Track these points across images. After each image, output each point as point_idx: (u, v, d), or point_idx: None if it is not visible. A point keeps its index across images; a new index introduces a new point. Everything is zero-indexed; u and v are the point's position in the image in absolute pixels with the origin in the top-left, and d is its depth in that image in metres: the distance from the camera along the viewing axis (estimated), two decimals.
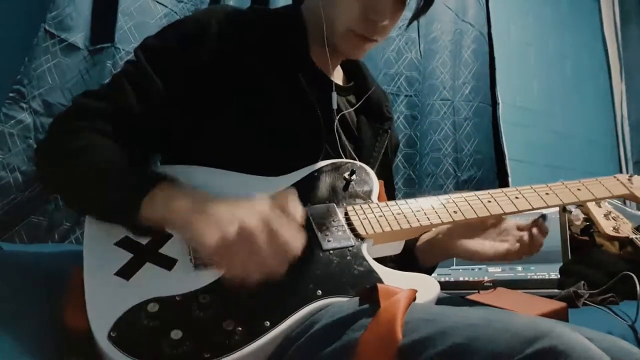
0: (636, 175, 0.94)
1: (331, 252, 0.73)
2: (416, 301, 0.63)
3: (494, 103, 1.94)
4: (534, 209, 0.85)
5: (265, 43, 0.87)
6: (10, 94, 1.07)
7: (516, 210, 0.85)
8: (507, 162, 1.90)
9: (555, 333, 0.50)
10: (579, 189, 0.89)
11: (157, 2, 1.27)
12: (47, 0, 1.12)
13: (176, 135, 0.88)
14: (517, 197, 0.86)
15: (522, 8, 2.34)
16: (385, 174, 1.00)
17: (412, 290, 0.62)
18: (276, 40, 0.88)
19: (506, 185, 1.88)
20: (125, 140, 0.77)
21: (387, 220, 0.80)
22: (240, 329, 0.61)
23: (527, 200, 0.86)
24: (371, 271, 0.72)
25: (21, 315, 0.68)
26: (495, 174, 1.91)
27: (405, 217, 0.81)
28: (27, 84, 1.09)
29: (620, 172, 2.48)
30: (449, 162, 1.79)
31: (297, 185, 0.82)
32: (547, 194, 0.87)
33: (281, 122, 0.84)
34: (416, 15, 0.91)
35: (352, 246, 0.75)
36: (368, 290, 0.63)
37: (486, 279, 1.29)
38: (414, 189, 1.73)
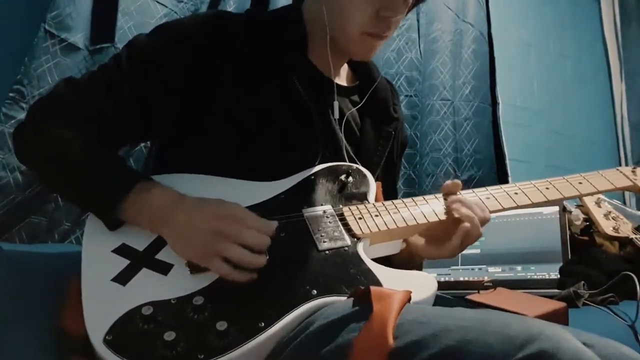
0: None
1: (327, 252, 0.73)
2: (412, 300, 0.63)
3: (494, 103, 1.93)
4: (533, 204, 0.85)
5: (259, 47, 0.86)
6: (10, 94, 1.06)
7: (515, 205, 0.85)
8: (507, 162, 1.89)
9: (545, 336, 0.50)
10: (580, 183, 0.88)
11: (157, 2, 1.27)
12: (47, 0, 1.12)
13: (168, 141, 0.89)
14: (516, 193, 0.86)
15: (522, 8, 2.34)
16: (388, 177, 0.99)
17: (406, 292, 0.62)
18: (272, 43, 0.87)
19: None
20: (96, 136, 0.79)
21: (382, 219, 0.80)
22: (233, 329, 0.61)
23: (526, 195, 0.86)
24: (367, 270, 0.72)
25: (21, 315, 0.69)
26: (495, 174, 1.90)
27: (401, 216, 0.81)
28: (27, 84, 1.08)
29: None
30: (449, 162, 1.78)
31: (292, 189, 0.82)
32: (547, 188, 0.87)
33: (276, 128, 0.84)
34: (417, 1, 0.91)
35: (347, 246, 0.75)
36: (361, 292, 0.63)
37: (486, 279, 1.29)
38: (414, 189, 1.73)
